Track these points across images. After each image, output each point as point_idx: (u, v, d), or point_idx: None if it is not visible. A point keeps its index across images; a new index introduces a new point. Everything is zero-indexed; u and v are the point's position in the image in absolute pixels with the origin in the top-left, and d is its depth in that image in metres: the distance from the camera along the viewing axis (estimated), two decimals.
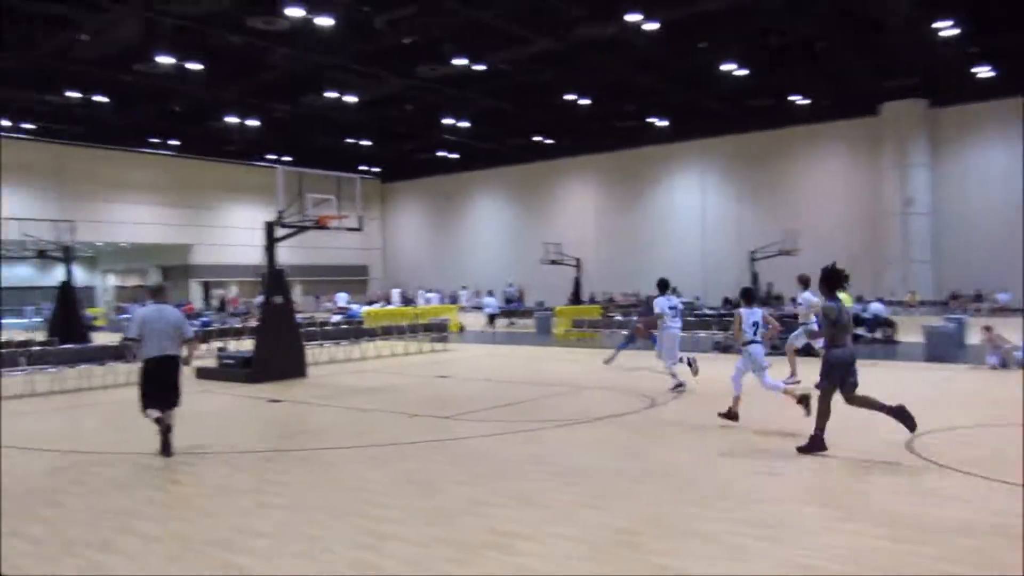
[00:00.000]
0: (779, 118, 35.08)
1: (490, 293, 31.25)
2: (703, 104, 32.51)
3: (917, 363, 15.77)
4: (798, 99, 32.58)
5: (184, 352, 8.79)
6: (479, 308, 39.11)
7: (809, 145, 36.02)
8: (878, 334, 20.39)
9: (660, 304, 12.51)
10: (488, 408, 11.12)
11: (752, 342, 9.33)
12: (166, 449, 8.34)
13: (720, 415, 9.28)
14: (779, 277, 30.32)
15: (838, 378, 7.69)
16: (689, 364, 12.48)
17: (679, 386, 12.19)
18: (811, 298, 12.76)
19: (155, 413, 8.41)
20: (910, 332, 19.98)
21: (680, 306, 13.34)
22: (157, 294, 9.25)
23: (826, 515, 5.88)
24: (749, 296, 9.79)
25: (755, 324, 9.42)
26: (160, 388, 8.47)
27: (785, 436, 8.66)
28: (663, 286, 12.79)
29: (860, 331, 20.81)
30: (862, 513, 5.89)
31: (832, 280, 7.90)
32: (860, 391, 7.75)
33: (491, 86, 29.28)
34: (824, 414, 7.78)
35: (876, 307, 20.73)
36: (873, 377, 13.68)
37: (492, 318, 29.27)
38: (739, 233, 36.79)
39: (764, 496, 6.40)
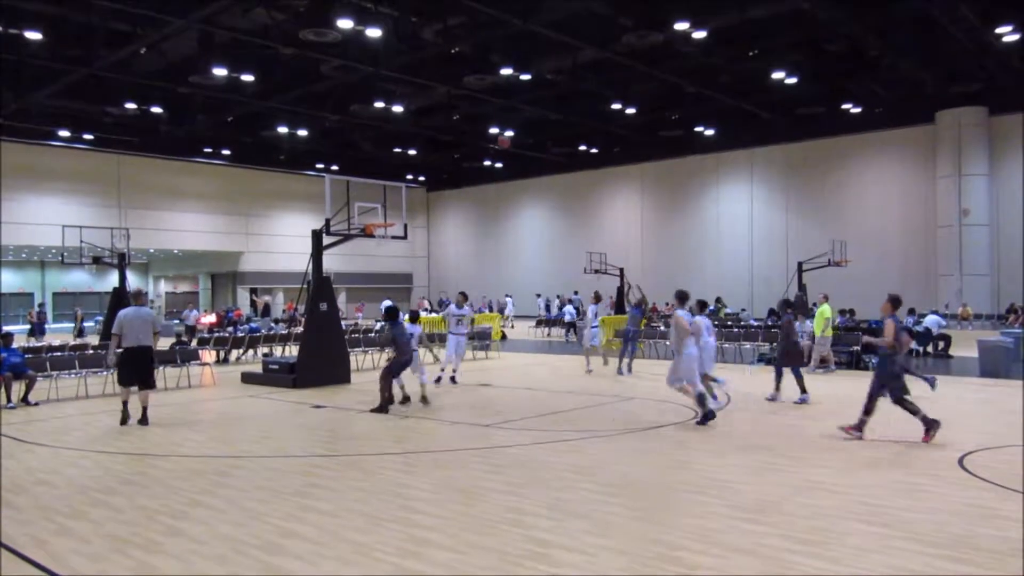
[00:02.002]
0: (830, 126, 34.49)
1: (569, 302, 31.87)
2: (751, 113, 32.16)
3: (971, 378, 15.34)
4: (850, 107, 32.02)
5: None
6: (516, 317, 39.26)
7: (861, 154, 35.24)
8: (931, 348, 19.84)
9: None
10: (529, 417, 11.10)
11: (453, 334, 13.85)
12: (144, 420, 10.62)
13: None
14: (830, 289, 29.70)
15: (398, 371, 11.77)
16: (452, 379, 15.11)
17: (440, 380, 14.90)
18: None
19: (125, 395, 10.72)
20: (965, 346, 19.42)
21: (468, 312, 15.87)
22: (136, 298, 11.23)
23: (875, 532, 5.72)
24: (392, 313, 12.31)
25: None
26: (136, 371, 10.63)
27: (832, 451, 8.53)
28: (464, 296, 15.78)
29: (913, 345, 20.25)
30: (912, 531, 5.73)
31: (392, 312, 12.26)
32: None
33: (537, 95, 29.35)
34: (386, 390, 11.74)
35: (931, 320, 20.04)
36: (921, 393, 13.32)
37: (571, 327, 29.42)
38: (788, 243, 36.24)
39: (811, 511, 6.26)
